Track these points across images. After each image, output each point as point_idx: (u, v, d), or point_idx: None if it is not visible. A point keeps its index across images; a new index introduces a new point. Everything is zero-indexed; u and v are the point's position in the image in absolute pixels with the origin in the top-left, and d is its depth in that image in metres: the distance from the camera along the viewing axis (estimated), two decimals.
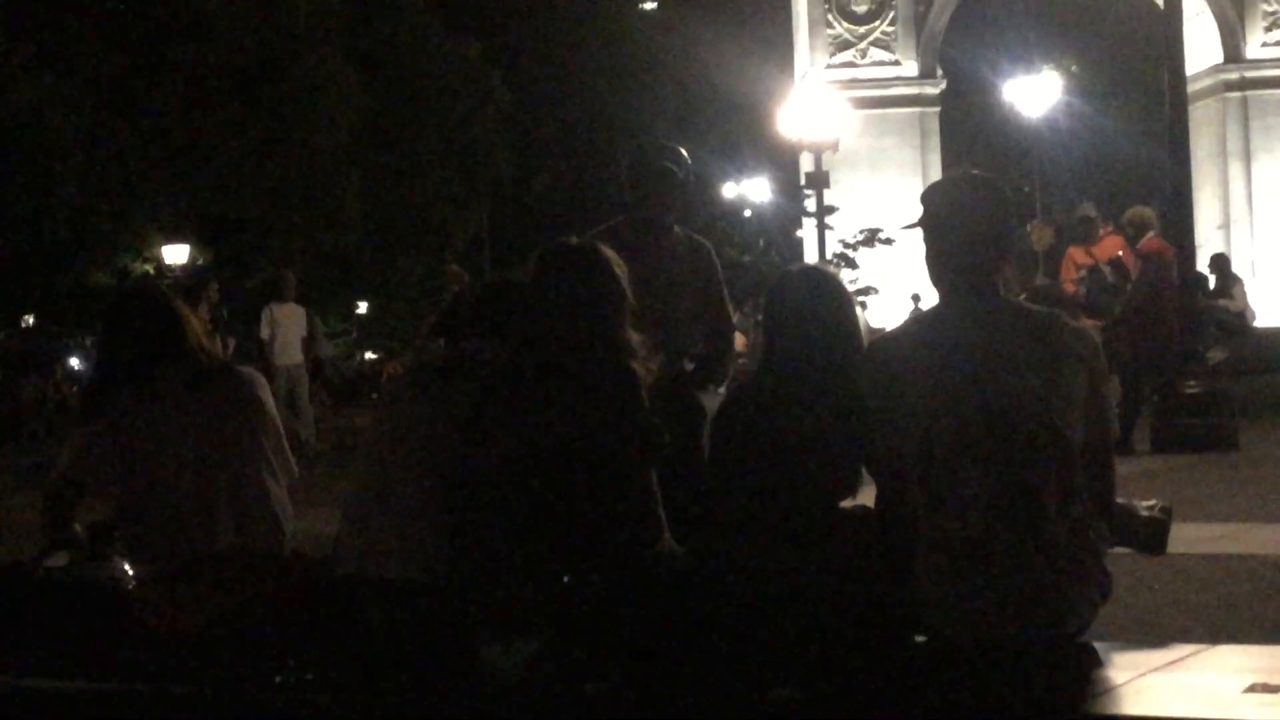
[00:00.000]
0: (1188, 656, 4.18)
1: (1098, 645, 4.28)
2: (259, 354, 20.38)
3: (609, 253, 4.81)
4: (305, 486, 5.31)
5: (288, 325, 20.22)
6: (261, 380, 5.35)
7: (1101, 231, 17.10)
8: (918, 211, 4.65)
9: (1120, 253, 16.38)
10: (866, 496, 4.77)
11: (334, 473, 14.22)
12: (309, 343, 20.53)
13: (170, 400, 5.12)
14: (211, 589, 4.91)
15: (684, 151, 7.21)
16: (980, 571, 4.23)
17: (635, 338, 4.71)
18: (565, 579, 4.45)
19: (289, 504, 5.23)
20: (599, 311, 4.68)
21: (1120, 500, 4.54)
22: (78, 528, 5.30)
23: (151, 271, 40.40)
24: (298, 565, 5.05)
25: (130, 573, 5.13)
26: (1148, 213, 16.40)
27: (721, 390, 6.75)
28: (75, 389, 41.13)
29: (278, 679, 4.37)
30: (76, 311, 44.21)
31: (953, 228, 4.49)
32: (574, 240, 4.94)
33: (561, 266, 4.81)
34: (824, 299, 4.84)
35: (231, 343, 20.87)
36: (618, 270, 4.77)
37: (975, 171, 4.76)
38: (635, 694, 4.14)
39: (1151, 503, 4.67)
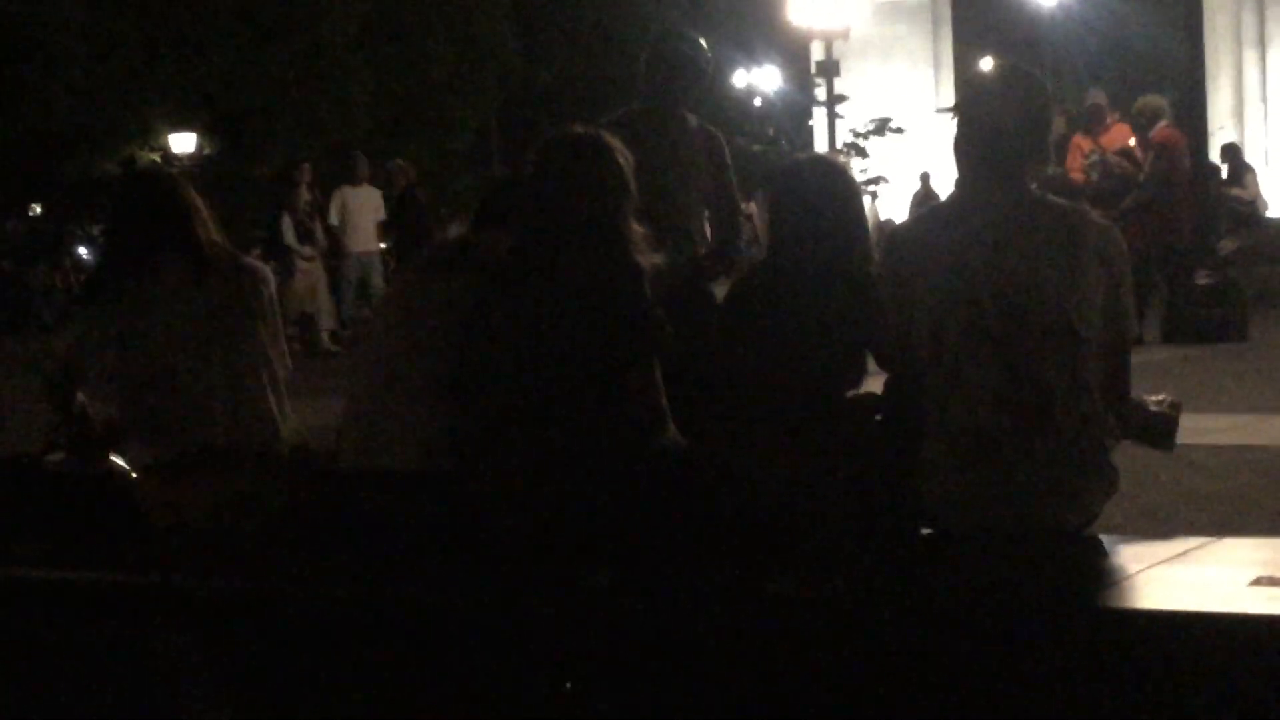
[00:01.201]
0: (1194, 549, 4.16)
1: (1104, 538, 4.26)
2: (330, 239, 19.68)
3: (613, 141, 4.74)
4: (317, 375, 5.28)
5: (360, 209, 19.34)
6: (267, 275, 5.29)
7: (1109, 119, 16.93)
8: (936, 101, 4.60)
9: (1131, 142, 16.23)
10: (874, 387, 4.73)
11: (342, 362, 14.20)
12: (386, 227, 19.72)
13: (172, 288, 5.08)
14: (212, 481, 4.91)
15: (704, 42, 7.22)
16: (986, 463, 4.20)
17: (637, 229, 4.65)
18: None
19: (286, 401, 5.19)
20: (600, 201, 4.61)
21: (1130, 395, 4.50)
22: (82, 400, 5.28)
23: (158, 160, 40.25)
24: (299, 457, 5.05)
25: (126, 467, 5.12)
26: (1159, 101, 16.24)
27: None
28: (83, 278, 41.09)
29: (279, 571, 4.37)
30: (83, 200, 44.11)
31: (986, 116, 4.41)
32: (578, 128, 4.86)
33: (563, 155, 4.74)
34: (830, 189, 4.79)
35: (319, 227, 19.98)
36: (621, 160, 4.70)
37: (1016, 63, 4.69)
38: (637, 586, 4.14)
39: (1161, 397, 4.63)
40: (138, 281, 5.10)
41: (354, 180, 19.60)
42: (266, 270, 5.32)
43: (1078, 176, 16.48)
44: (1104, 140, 16.52)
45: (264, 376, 5.10)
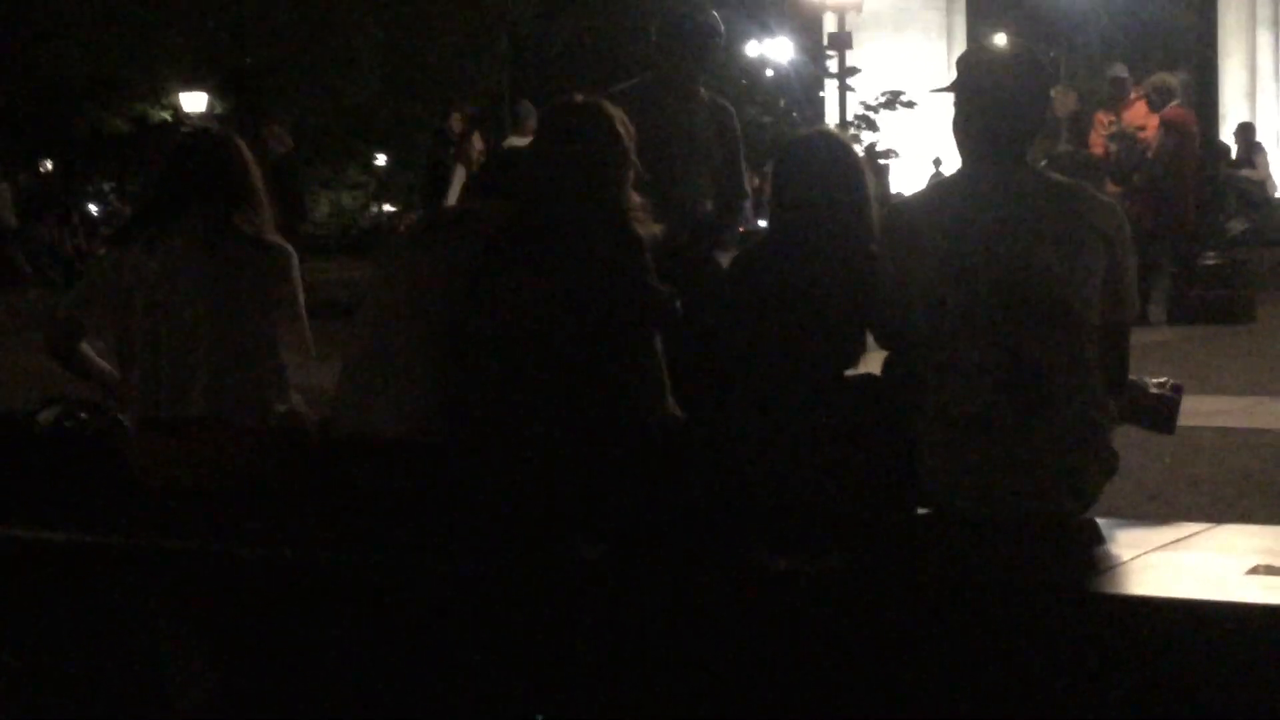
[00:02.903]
0: (1192, 535, 4.13)
1: (1101, 522, 4.23)
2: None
3: (614, 111, 4.70)
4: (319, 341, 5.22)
5: None
6: (289, 254, 5.18)
7: (1133, 95, 16.78)
8: (948, 75, 4.53)
9: (1144, 122, 16.14)
10: (872, 366, 4.69)
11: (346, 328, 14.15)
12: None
13: (181, 256, 5.03)
14: (205, 445, 4.88)
15: (716, 14, 7.21)
16: (984, 445, 4.16)
17: (636, 199, 4.61)
18: None
19: (288, 384, 5.12)
20: (598, 170, 4.57)
21: (1131, 377, 4.47)
22: (87, 353, 5.23)
23: (170, 119, 40.20)
24: (288, 425, 5.01)
25: (125, 425, 5.09)
26: (1172, 80, 16.13)
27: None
28: (94, 235, 41.09)
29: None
30: (93, 157, 44.08)
31: (985, 95, 4.35)
32: (579, 98, 4.82)
33: (563, 124, 4.70)
34: (835, 164, 4.74)
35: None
36: (621, 129, 4.65)
37: (1016, 41, 4.63)
38: (633, 562, 4.11)
39: (1162, 380, 4.60)
40: (158, 238, 5.05)
41: (521, 130, 18.47)
42: (289, 250, 5.21)
43: (1099, 150, 16.37)
44: (1126, 115, 16.37)
45: (261, 358, 5.03)
